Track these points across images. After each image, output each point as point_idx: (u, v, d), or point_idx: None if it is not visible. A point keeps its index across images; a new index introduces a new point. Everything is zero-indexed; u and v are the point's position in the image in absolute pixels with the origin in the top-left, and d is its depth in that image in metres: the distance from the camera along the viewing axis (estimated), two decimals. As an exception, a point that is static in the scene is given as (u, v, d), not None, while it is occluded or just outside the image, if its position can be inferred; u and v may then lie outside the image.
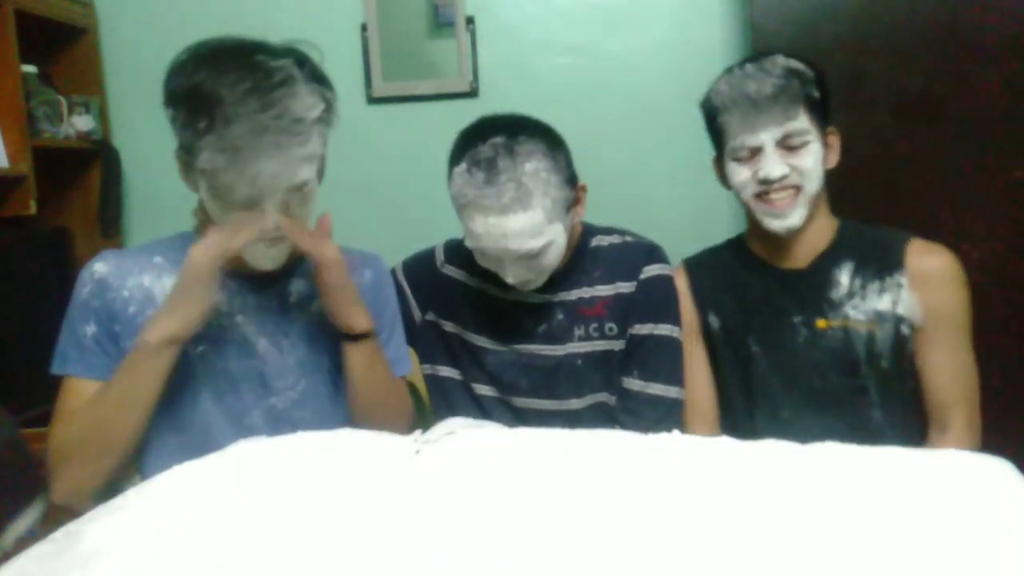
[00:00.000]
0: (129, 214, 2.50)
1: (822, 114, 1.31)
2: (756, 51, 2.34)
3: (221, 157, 1.04)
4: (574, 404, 1.35)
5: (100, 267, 1.19)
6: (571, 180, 1.30)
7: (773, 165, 1.27)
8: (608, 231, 1.42)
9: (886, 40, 1.97)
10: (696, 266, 1.47)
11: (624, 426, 1.31)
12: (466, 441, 0.95)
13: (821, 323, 1.33)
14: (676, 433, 0.96)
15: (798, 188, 1.29)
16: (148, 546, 0.73)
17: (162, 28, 2.40)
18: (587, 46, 2.38)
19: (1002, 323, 1.78)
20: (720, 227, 2.15)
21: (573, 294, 1.36)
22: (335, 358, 1.25)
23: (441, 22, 2.40)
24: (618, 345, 1.35)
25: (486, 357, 1.37)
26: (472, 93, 2.41)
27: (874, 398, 1.32)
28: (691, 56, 2.32)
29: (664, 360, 1.35)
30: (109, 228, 2.41)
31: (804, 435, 1.20)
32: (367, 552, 0.71)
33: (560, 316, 1.35)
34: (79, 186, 2.41)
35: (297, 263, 1.26)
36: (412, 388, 2.14)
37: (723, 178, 1.39)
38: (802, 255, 1.36)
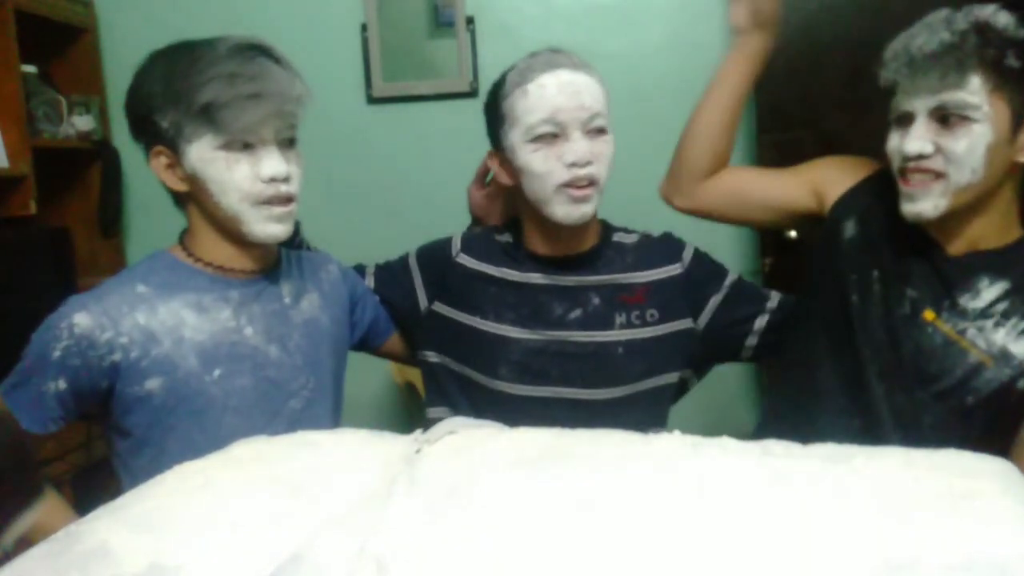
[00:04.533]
0: (129, 214, 2.51)
1: (1021, 89, 1.05)
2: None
3: (220, 84, 1.05)
4: (608, 394, 1.30)
5: (81, 320, 1.07)
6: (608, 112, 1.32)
7: (913, 139, 1.07)
8: (626, 230, 1.41)
9: (886, 40, 1.97)
10: (883, 179, 1.22)
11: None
12: (467, 440, 0.95)
13: (929, 315, 1.13)
14: (677, 433, 0.96)
15: (940, 174, 1.07)
16: (148, 546, 0.73)
17: (162, 28, 2.39)
18: (587, 46, 2.36)
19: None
20: (720, 228, 2.15)
21: (608, 279, 1.31)
22: (330, 352, 1.28)
23: (441, 22, 2.40)
24: (660, 331, 1.31)
25: (510, 346, 1.31)
26: (472, 93, 2.41)
27: (925, 420, 1.14)
28: (691, 56, 2.32)
29: (750, 289, 1.39)
30: (109, 228, 2.41)
31: (874, 407, 1.16)
32: (368, 552, 0.71)
33: (596, 301, 1.30)
34: (79, 186, 2.41)
35: (281, 261, 1.25)
36: (412, 388, 2.15)
37: None
38: (955, 242, 1.14)
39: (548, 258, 1.32)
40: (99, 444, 1.34)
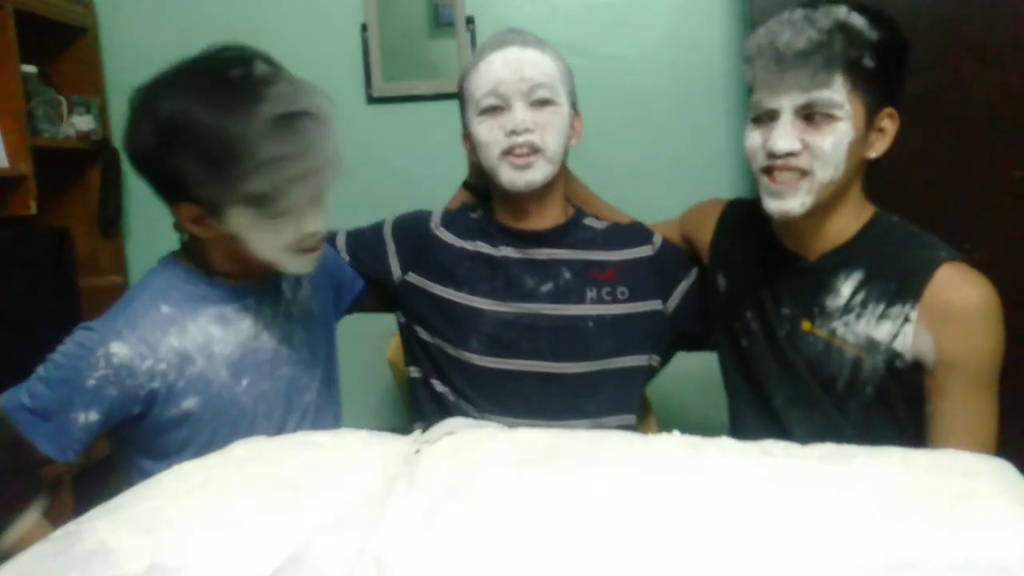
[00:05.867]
0: (129, 214, 2.50)
1: (876, 89, 1.09)
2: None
3: (266, 174, 1.00)
4: (577, 368, 1.32)
5: (120, 349, 1.04)
6: (573, 94, 1.37)
7: (781, 136, 1.08)
8: (596, 218, 1.44)
9: (886, 40, 1.97)
10: (731, 214, 1.35)
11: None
12: (466, 440, 0.95)
13: (806, 325, 1.18)
14: (676, 433, 0.96)
15: (805, 172, 1.09)
16: (149, 547, 0.73)
17: (162, 28, 2.40)
18: (587, 46, 2.38)
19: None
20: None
21: (579, 254, 1.36)
22: (325, 337, 1.30)
23: (441, 22, 2.40)
24: (631, 310, 1.34)
25: (482, 318, 1.33)
26: (472, 93, 2.41)
27: (851, 417, 1.17)
28: (691, 56, 2.32)
29: None
30: (109, 228, 2.41)
31: (793, 432, 1.17)
32: (368, 552, 0.71)
33: (568, 275, 1.34)
34: (79, 186, 2.41)
35: None
36: (392, 366, 2.15)
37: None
38: (813, 245, 1.18)
39: (518, 232, 1.36)
40: (99, 444, 1.34)
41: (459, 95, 1.36)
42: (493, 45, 1.31)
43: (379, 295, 1.45)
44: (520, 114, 1.27)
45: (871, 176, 1.19)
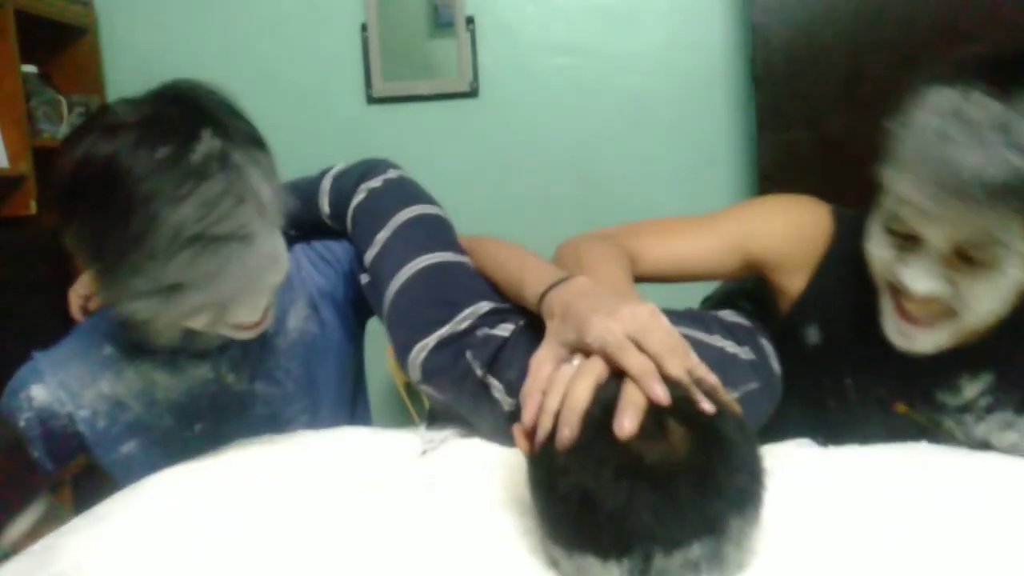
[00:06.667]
0: (129, 214, 2.50)
1: None
2: (763, 51, 2.20)
3: (153, 301, 0.83)
4: None
5: (39, 394, 0.98)
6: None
7: (921, 276, 0.81)
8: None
9: (886, 40, 1.97)
10: (836, 257, 0.98)
11: None
12: (472, 441, 0.94)
13: (900, 408, 0.97)
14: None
15: (952, 314, 0.83)
16: (129, 563, 0.70)
17: (162, 28, 2.40)
18: (587, 46, 2.38)
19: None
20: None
21: None
22: (332, 364, 1.19)
23: (441, 22, 2.40)
24: None
25: None
26: (472, 93, 2.41)
27: None
28: (691, 56, 2.32)
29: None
30: (109, 228, 2.41)
31: None
32: (370, 553, 0.71)
33: None
34: (79, 186, 2.41)
35: None
36: (412, 388, 2.15)
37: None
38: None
39: None
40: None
41: None
42: None
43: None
44: None
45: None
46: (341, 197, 1.08)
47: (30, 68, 2.15)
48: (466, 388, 0.92)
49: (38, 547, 0.76)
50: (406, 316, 0.96)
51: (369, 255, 1.03)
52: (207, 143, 0.81)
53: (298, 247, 1.14)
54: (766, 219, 1.02)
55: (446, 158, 2.43)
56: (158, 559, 0.71)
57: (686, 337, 0.72)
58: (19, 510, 0.93)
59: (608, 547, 0.61)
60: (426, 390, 0.98)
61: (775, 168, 2.07)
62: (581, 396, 0.66)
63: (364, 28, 2.39)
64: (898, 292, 0.85)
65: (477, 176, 2.44)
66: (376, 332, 1.81)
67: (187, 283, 0.81)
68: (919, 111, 0.80)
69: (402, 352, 0.96)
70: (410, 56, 2.42)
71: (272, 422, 1.11)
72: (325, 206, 1.10)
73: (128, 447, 1.03)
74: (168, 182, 0.78)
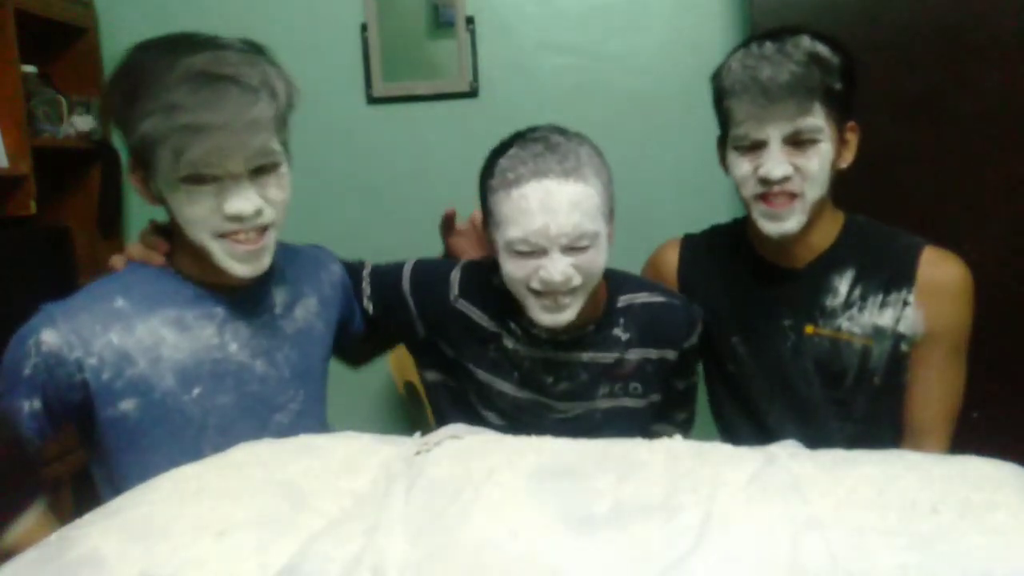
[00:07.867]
0: (129, 214, 2.50)
1: (842, 108, 1.19)
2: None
3: (158, 118, 0.97)
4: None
5: (49, 338, 1.02)
6: (611, 200, 1.20)
7: (775, 163, 1.16)
8: (636, 286, 1.32)
9: (886, 40, 1.97)
10: (693, 246, 1.40)
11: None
12: (468, 445, 0.94)
13: (809, 329, 1.26)
14: (679, 438, 0.95)
15: (796, 194, 1.18)
16: (140, 555, 0.72)
17: (162, 28, 2.37)
18: (587, 46, 2.38)
19: (1002, 323, 1.78)
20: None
21: (601, 359, 1.27)
22: (323, 358, 1.25)
23: (441, 22, 2.40)
24: (640, 404, 1.30)
25: (500, 396, 1.29)
26: (472, 93, 2.41)
27: (855, 413, 1.26)
28: (691, 56, 2.32)
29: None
30: (109, 228, 2.41)
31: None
32: (365, 561, 0.71)
33: (584, 376, 1.27)
34: (79, 186, 2.41)
35: (274, 270, 1.17)
36: (412, 389, 2.15)
37: (724, 161, 1.27)
38: (799, 254, 1.27)
39: (543, 339, 1.26)
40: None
41: (482, 185, 1.23)
42: (528, 173, 1.13)
43: (402, 341, 1.39)
44: (558, 265, 1.12)
45: (839, 183, 1.27)
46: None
47: (30, 68, 2.15)
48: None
49: (53, 538, 0.77)
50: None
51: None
52: (233, 43, 1.07)
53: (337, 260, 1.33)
54: (647, 265, 1.47)
55: (446, 158, 2.43)
56: (169, 546, 0.72)
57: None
58: (19, 510, 0.93)
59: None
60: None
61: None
62: None
63: (364, 28, 2.39)
64: (762, 196, 1.19)
65: (477, 176, 2.44)
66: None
67: (185, 105, 0.97)
68: (733, 60, 1.20)
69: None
70: (410, 56, 2.42)
71: (263, 405, 1.16)
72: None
73: (126, 405, 1.07)
74: (189, 44, 1.06)
